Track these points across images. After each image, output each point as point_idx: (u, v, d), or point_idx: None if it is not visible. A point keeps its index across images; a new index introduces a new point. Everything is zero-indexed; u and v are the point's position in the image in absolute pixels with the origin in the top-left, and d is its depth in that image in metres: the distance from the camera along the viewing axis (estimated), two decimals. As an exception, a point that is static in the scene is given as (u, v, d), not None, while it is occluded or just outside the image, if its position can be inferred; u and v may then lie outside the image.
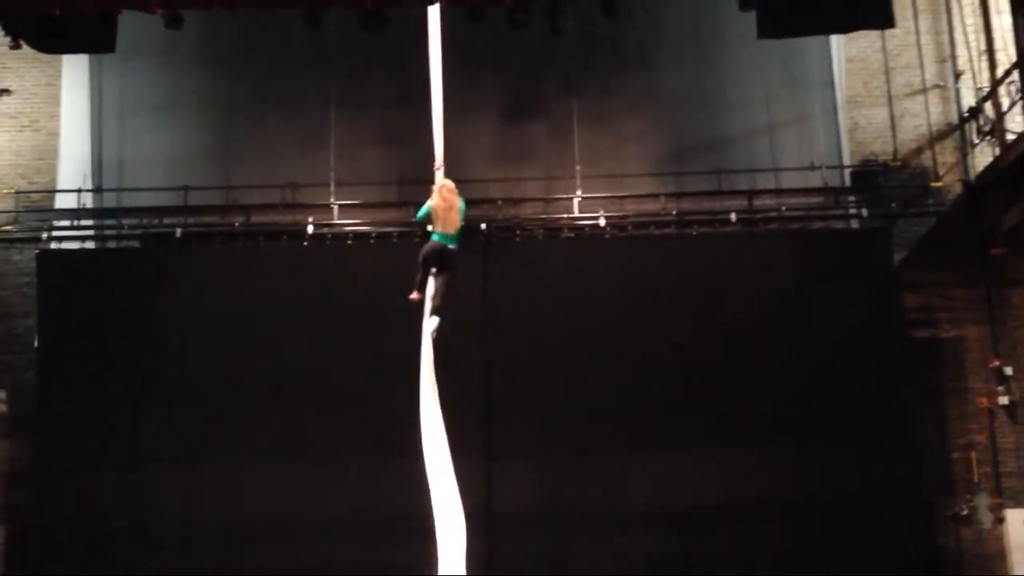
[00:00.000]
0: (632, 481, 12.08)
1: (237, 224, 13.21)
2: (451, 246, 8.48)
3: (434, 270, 8.45)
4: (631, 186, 13.38)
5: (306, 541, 11.85)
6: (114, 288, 12.50)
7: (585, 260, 12.79)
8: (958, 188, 13.12)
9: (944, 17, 13.70)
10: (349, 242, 13.05)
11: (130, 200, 13.47)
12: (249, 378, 12.17)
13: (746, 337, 12.26)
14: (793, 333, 12.27)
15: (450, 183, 8.63)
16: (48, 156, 13.66)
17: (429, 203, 8.56)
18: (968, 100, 13.43)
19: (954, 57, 13.64)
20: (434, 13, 9.07)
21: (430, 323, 8.32)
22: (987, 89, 12.98)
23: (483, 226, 12.72)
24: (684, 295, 12.41)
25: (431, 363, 8.21)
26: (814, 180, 13.44)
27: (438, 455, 7.96)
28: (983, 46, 13.06)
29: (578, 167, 13.25)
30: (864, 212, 13.20)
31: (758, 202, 13.34)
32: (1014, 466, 12.83)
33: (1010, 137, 12.27)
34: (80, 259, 13.22)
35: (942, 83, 13.73)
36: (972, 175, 13.10)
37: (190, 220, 13.22)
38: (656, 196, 13.32)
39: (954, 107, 13.64)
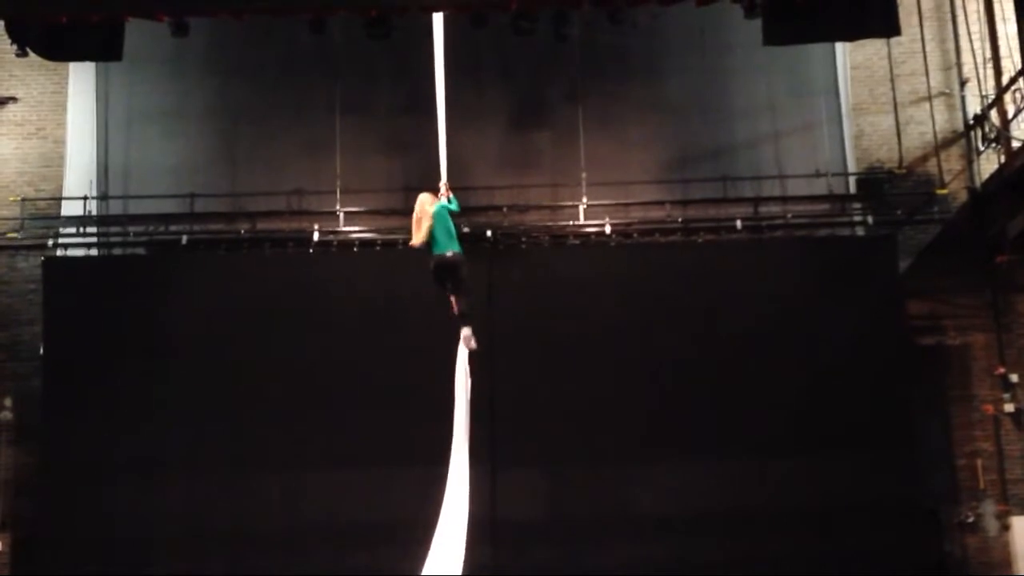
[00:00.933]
0: (637, 489, 12.07)
1: (243, 231, 13.23)
2: (447, 254, 8.52)
3: (450, 285, 8.56)
4: (636, 193, 13.38)
5: (311, 549, 11.83)
6: (120, 295, 12.48)
7: (591, 267, 12.78)
8: (963, 195, 13.12)
9: (949, 25, 13.67)
10: (355, 249, 13.07)
11: (136, 207, 13.46)
12: (254, 385, 12.17)
13: (751, 344, 12.24)
14: (798, 340, 12.25)
15: (424, 195, 8.69)
16: (54, 163, 13.65)
17: None
18: (973, 107, 13.43)
19: (959, 64, 13.63)
20: (438, 23, 9.06)
21: (463, 333, 8.45)
22: (992, 96, 12.99)
23: (489, 233, 12.74)
24: (690, 302, 12.39)
25: (464, 373, 8.31)
26: (819, 187, 13.44)
27: (459, 463, 8.06)
28: (988, 53, 13.08)
29: (583, 174, 13.26)
30: (869, 219, 13.21)
31: (764, 209, 13.34)
32: (1020, 473, 12.82)
33: (1016, 144, 12.27)
34: (86, 266, 13.22)
35: (947, 90, 13.72)
36: (978, 182, 13.08)
37: (196, 227, 13.24)
38: (661, 203, 13.34)
39: (959, 114, 13.63)
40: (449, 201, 8.83)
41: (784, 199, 13.42)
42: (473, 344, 8.47)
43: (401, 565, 11.56)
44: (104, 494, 11.98)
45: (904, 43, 13.42)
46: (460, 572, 7.76)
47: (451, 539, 7.83)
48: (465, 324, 8.51)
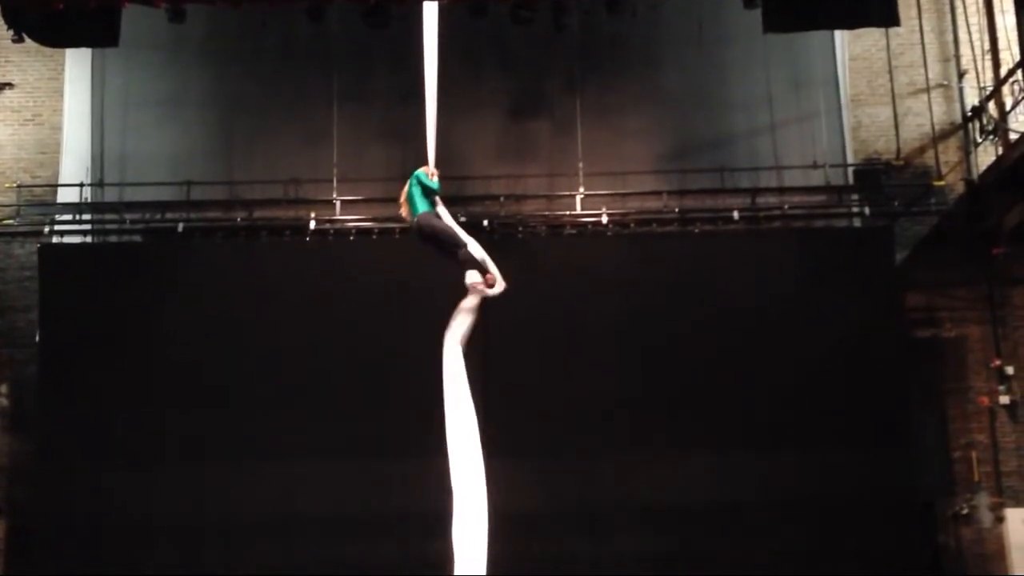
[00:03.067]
0: (632, 480, 12.04)
1: (239, 219, 13.18)
2: (413, 219, 8.61)
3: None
4: (634, 183, 13.36)
5: (307, 540, 11.82)
6: (116, 283, 12.45)
7: (587, 257, 12.76)
8: (961, 187, 13.13)
9: (948, 16, 13.69)
10: (351, 238, 13.04)
11: (132, 195, 13.42)
12: (251, 373, 12.13)
13: (748, 335, 12.23)
14: (795, 331, 12.23)
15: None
16: (50, 150, 13.64)
17: None
18: (971, 99, 13.44)
19: (958, 56, 13.65)
20: (430, 11, 8.98)
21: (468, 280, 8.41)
22: (990, 88, 13.00)
23: (485, 223, 12.70)
24: (686, 293, 12.37)
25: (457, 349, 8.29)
26: (817, 179, 13.42)
27: (466, 448, 7.99)
28: (987, 45, 13.07)
29: (581, 164, 13.22)
30: (867, 211, 13.18)
31: (761, 200, 13.33)
32: (1014, 465, 12.84)
33: (1013, 136, 12.28)
34: (82, 253, 13.19)
35: (945, 82, 13.73)
36: (975, 174, 13.10)
37: (192, 215, 13.20)
38: (659, 194, 13.31)
39: (957, 106, 13.65)
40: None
41: (781, 190, 13.40)
42: (484, 288, 8.37)
43: (398, 556, 11.66)
44: (100, 482, 11.96)
45: (903, 34, 13.43)
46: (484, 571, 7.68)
47: (474, 534, 7.74)
48: (468, 267, 8.45)
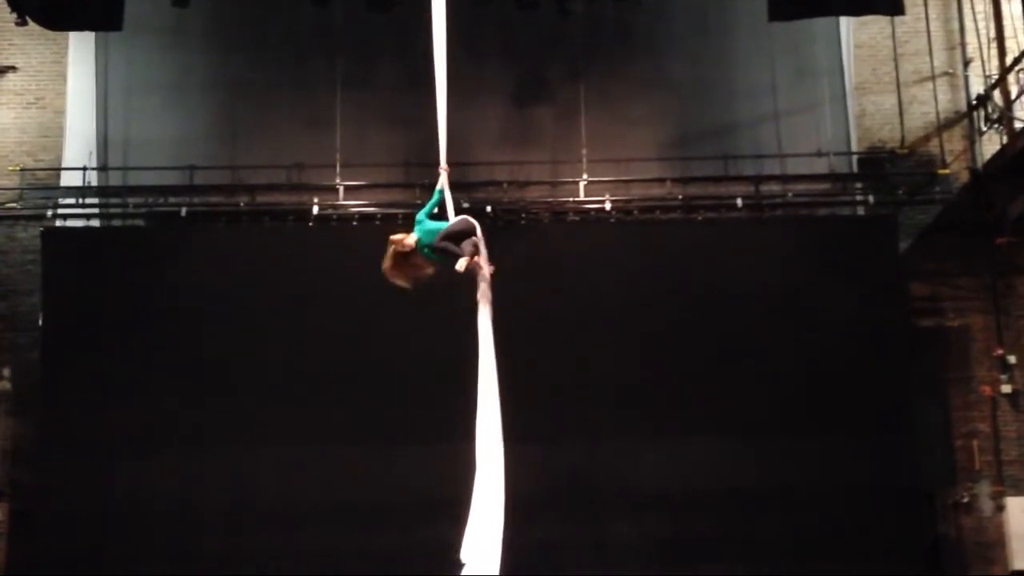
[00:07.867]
0: (634, 467, 12.07)
1: (242, 204, 13.19)
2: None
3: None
4: (637, 170, 13.34)
5: (311, 525, 11.85)
6: (119, 267, 12.45)
7: (590, 244, 12.75)
8: (965, 176, 13.07)
9: (954, 4, 13.61)
10: (354, 223, 13.02)
11: (135, 179, 13.41)
12: (253, 358, 12.16)
13: (750, 323, 12.24)
14: (797, 319, 12.23)
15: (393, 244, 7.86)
16: (54, 134, 13.61)
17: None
18: (977, 88, 13.36)
19: (963, 44, 13.58)
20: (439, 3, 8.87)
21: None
22: (996, 77, 12.93)
23: (488, 209, 12.69)
24: (689, 280, 12.39)
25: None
26: (821, 167, 13.40)
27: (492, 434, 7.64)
28: (993, 33, 13.01)
29: (584, 151, 13.21)
30: (871, 199, 13.15)
31: (764, 188, 13.30)
32: (1016, 454, 12.85)
33: (1018, 125, 12.23)
34: (85, 237, 13.18)
35: (951, 70, 13.67)
36: (979, 163, 13.03)
37: (195, 200, 13.18)
38: (662, 181, 13.30)
39: (962, 95, 13.58)
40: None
41: (785, 178, 13.38)
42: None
43: (399, 541, 11.70)
44: (102, 465, 11.99)
45: (908, 22, 13.36)
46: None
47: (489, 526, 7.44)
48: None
